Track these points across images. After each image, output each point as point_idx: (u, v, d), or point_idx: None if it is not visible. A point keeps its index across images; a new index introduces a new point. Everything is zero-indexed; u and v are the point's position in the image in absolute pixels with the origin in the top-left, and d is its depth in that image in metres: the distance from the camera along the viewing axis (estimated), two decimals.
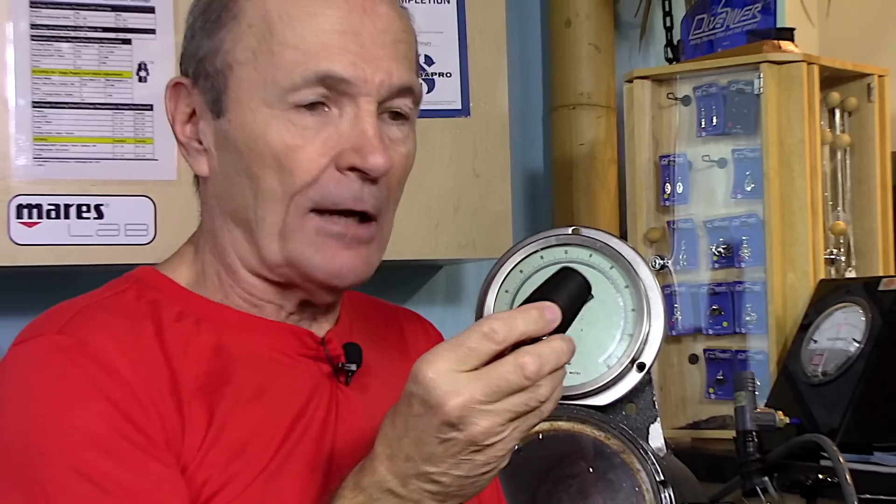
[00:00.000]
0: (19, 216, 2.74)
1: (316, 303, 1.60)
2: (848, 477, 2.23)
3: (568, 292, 1.41)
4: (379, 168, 1.51)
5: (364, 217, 1.55)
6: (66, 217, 2.77)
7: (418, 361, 1.32)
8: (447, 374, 1.30)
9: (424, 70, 3.05)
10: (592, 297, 2.25)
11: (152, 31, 2.83)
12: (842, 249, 3.23)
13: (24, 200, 2.75)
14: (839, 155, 3.27)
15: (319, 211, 1.53)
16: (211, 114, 1.57)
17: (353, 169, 1.51)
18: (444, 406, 1.29)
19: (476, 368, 1.31)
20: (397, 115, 1.58)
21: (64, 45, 2.79)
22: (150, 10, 2.83)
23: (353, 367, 1.60)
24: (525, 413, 1.33)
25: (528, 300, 1.37)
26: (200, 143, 1.60)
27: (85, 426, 1.41)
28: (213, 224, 1.61)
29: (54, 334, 1.47)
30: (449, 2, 3.07)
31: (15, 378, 1.48)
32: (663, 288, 2.42)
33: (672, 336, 3.17)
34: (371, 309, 1.77)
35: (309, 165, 1.51)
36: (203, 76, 1.58)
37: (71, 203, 2.78)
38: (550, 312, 1.34)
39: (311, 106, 1.52)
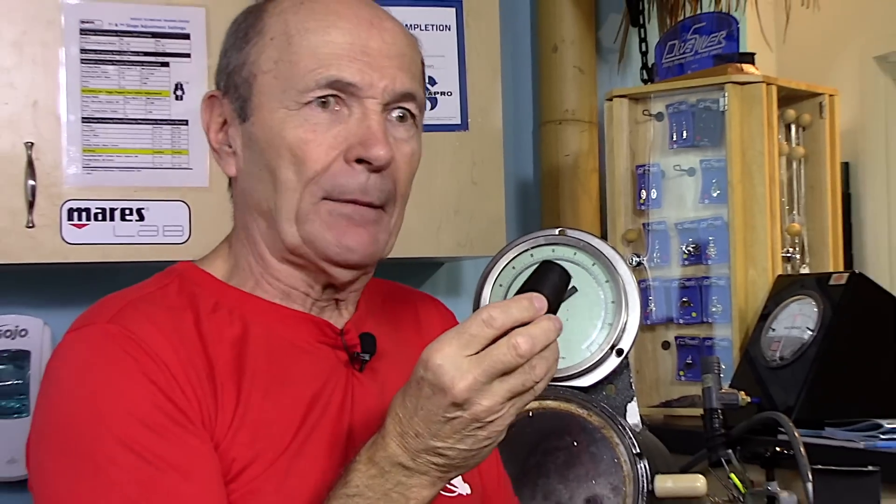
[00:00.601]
0: (70, 218, 2.74)
1: (337, 284, 1.59)
2: (802, 449, 2.24)
3: (551, 282, 1.43)
4: (381, 158, 1.51)
5: (370, 206, 1.55)
6: (112, 219, 2.77)
7: (427, 349, 1.33)
8: (453, 360, 1.31)
9: (428, 90, 3.05)
10: (576, 289, 2.28)
11: (188, 56, 2.83)
12: (797, 248, 3.24)
13: (74, 205, 2.75)
14: (794, 165, 3.27)
15: (331, 199, 1.53)
16: (238, 119, 1.58)
17: (360, 161, 1.52)
18: (453, 389, 1.30)
19: (478, 352, 1.32)
20: (402, 119, 1.58)
21: (110, 68, 2.78)
22: (186, 36, 2.84)
23: (367, 356, 1.60)
24: (522, 392, 1.34)
25: (518, 292, 1.39)
26: (230, 146, 1.60)
27: (131, 405, 1.41)
28: (243, 219, 1.61)
29: (105, 323, 1.47)
30: (450, 29, 3.07)
31: (70, 361, 1.48)
32: (639, 282, 2.42)
33: (647, 325, 3.17)
34: (390, 294, 1.76)
35: (320, 156, 1.52)
36: (233, 87, 1.59)
37: (116, 207, 2.77)
38: (539, 301, 1.36)
39: (324, 104, 1.52)
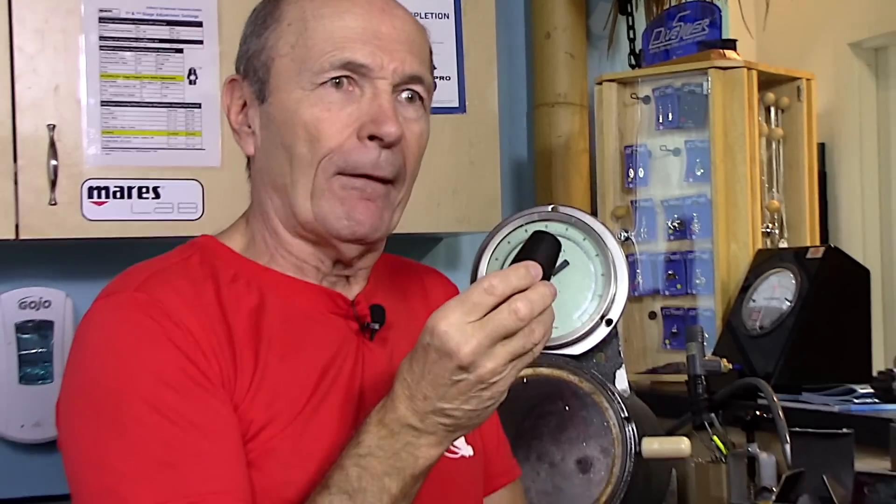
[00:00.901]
0: (90, 196, 2.74)
1: (345, 261, 1.60)
2: (780, 413, 2.24)
3: (543, 251, 1.45)
4: (392, 134, 1.52)
5: (381, 181, 1.55)
6: (129, 197, 2.77)
7: (432, 317, 1.34)
8: (458, 326, 1.32)
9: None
10: (568, 263, 2.28)
11: (200, 42, 2.83)
12: (776, 224, 3.23)
13: (94, 183, 2.75)
14: (774, 145, 3.27)
15: (343, 174, 1.53)
16: (257, 101, 1.58)
17: (371, 138, 1.52)
18: (458, 353, 1.32)
19: (481, 318, 1.33)
20: (411, 99, 1.58)
21: (127, 54, 2.78)
22: (199, 24, 2.83)
23: (377, 326, 1.61)
24: (522, 354, 1.35)
25: (514, 262, 1.40)
26: (249, 127, 1.61)
27: (156, 368, 1.42)
28: (259, 196, 1.61)
29: (133, 291, 1.48)
30: (448, 17, 3.07)
31: (99, 326, 1.48)
32: (627, 256, 2.42)
33: (634, 296, 3.17)
34: (397, 268, 1.77)
35: (334, 134, 1.52)
36: (252, 70, 1.59)
37: (133, 185, 2.78)
38: (534, 269, 1.37)
39: (337, 84, 1.53)
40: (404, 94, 1.57)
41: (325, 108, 1.52)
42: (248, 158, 1.66)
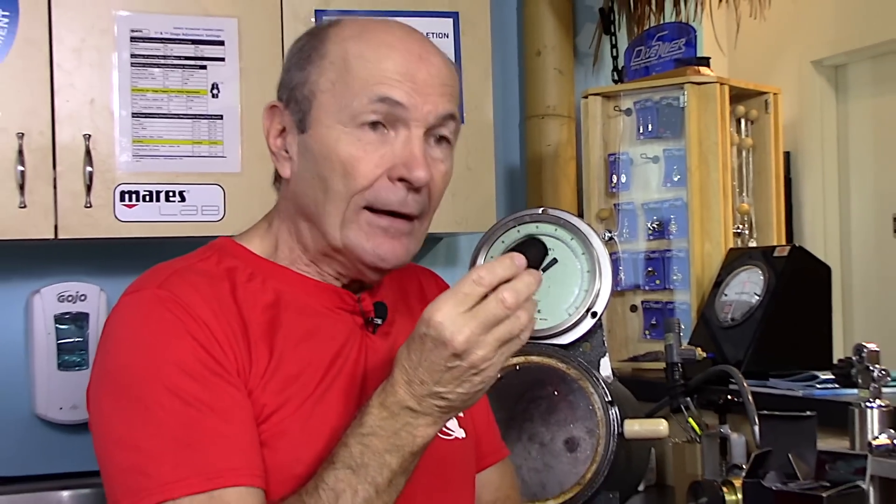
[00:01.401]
0: (122, 200, 2.74)
1: (365, 282, 1.60)
2: (750, 397, 2.23)
3: (531, 249, 1.49)
4: (421, 180, 1.51)
5: (407, 217, 1.55)
6: (157, 200, 2.77)
7: (427, 309, 1.35)
8: (451, 317, 1.33)
9: None
10: (556, 260, 2.27)
11: (222, 59, 2.82)
12: (746, 225, 3.23)
13: (125, 188, 2.74)
14: (744, 154, 3.26)
15: (372, 210, 1.53)
16: (297, 130, 1.56)
17: (401, 179, 1.52)
18: (452, 342, 1.33)
19: (472, 308, 1.34)
20: (440, 140, 1.57)
21: (156, 70, 2.78)
22: (221, 43, 2.83)
23: (379, 321, 1.61)
24: (509, 340, 1.36)
25: None
26: (287, 152, 1.59)
27: (177, 358, 1.42)
28: (290, 215, 1.60)
29: (155, 288, 1.48)
30: (448, 37, 3.06)
31: (125, 320, 1.48)
32: (611, 254, 2.41)
33: (617, 291, 3.16)
34: (400, 272, 1.76)
35: (367, 173, 1.51)
36: (294, 101, 1.57)
37: (161, 190, 2.77)
38: (518, 259, 1.37)
39: (374, 126, 1.51)
40: (433, 138, 1.56)
41: (361, 147, 1.51)
42: (279, 177, 1.65)
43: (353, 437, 1.41)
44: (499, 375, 1.41)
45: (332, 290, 1.60)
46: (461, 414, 1.58)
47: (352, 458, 1.39)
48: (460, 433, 1.67)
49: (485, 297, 1.35)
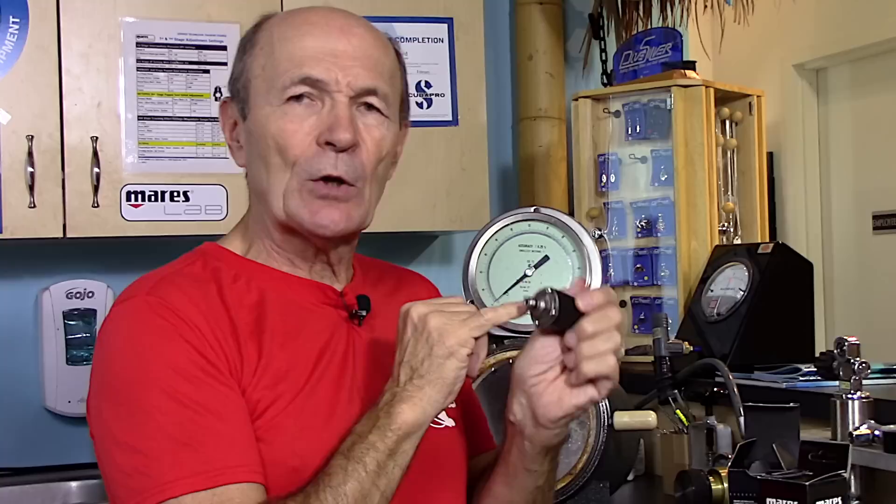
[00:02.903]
0: (128, 200, 2.74)
1: (324, 250, 1.59)
2: (735, 390, 2.24)
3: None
4: (342, 140, 1.50)
5: (342, 183, 1.53)
6: (162, 200, 2.78)
7: (407, 305, 1.43)
8: (418, 304, 1.42)
9: (424, 92, 3.05)
10: (549, 258, 2.27)
11: (225, 64, 2.82)
12: (731, 223, 3.23)
13: (131, 188, 2.75)
14: (729, 154, 3.26)
15: (312, 180, 1.52)
16: (241, 118, 1.58)
17: (328, 144, 1.51)
18: (410, 312, 1.41)
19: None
20: (370, 108, 1.56)
21: (161, 74, 2.78)
22: (224, 48, 2.83)
23: (364, 313, 1.61)
24: (460, 313, 1.41)
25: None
26: (239, 142, 1.60)
27: (171, 361, 1.42)
28: (254, 203, 1.61)
29: (144, 295, 1.47)
30: (443, 42, 3.06)
31: (118, 329, 1.48)
32: (601, 252, 2.41)
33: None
34: (384, 271, 1.76)
35: (298, 143, 1.51)
36: (237, 92, 1.59)
37: (166, 190, 2.78)
38: (520, 308, 1.42)
39: (299, 98, 1.52)
40: (363, 106, 1.55)
41: (289, 120, 1.51)
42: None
43: (349, 433, 1.42)
44: (478, 366, 1.43)
45: (316, 285, 1.59)
46: (452, 405, 1.58)
47: (343, 445, 1.40)
48: (450, 422, 1.67)
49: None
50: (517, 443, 1.56)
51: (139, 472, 1.39)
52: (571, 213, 3.10)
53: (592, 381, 1.46)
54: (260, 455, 1.44)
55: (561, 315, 1.39)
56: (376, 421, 1.40)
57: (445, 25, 3.08)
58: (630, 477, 2.65)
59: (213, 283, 1.52)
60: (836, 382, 2.12)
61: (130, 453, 1.40)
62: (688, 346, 2.52)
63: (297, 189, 1.52)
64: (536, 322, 1.42)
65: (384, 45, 1.60)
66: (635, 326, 3.14)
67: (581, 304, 1.42)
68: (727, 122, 3.26)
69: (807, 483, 1.71)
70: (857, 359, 2.07)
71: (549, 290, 1.38)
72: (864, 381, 2.09)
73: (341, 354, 1.56)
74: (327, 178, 1.52)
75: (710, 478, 2.03)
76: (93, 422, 1.48)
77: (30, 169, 2.65)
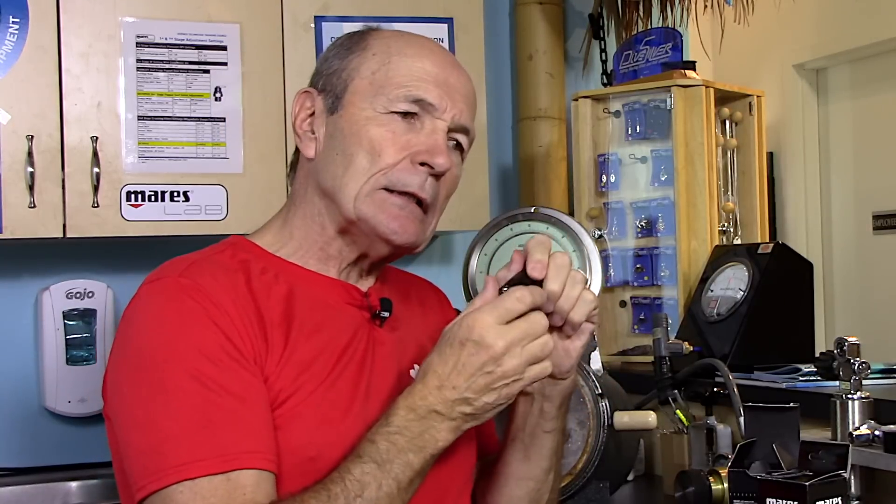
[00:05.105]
0: (128, 199, 2.74)
1: (372, 257, 1.62)
2: (735, 390, 2.24)
3: None
4: (442, 165, 1.56)
5: (420, 203, 1.58)
6: (162, 200, 2.77)
7: (467, 317, 1.42)
8: (494, 326, 1.40)
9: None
10: None
11: (225, 64, 2.83)
12: (731, 223, 3.23)
13: (131, 188, 2.75)
14: (729, 154, 3.26)
15: (389, 190, 1.56)
16: (327, 112, 1.61)
17: (423, 164, 1.56)
18: (494, 346, 1.39)
19: (509, 322, 1.41)
20: (454, 147, 1.62)
21: (160, 74, 2.78)
22: (224, 48, 2.83)
23: (386, 314, 1.63)
24: (537, 362, 1.42)
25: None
26: (313, 133, 1.62)
27: (198, 343, 1.43)
28: (306, 196, 1.63)
29: (177, 276, 1.49)
30: (443, 41, 3.06)
31: (146, 306, 1.50)
32: (601, 252, 2.41)
33: (607, 287, 3.16)
34: (401, 278, 1.79)
35: (393, 154, 1.55)
36: (329, 85, 1.62)
37: (166, 190, 2.78)
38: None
39: (404, 115, 1.57)
40: (451, 142, 1.61)
41: (389, 131, 1.56)
42: (293, 164, 1.69)
43: (379, 435, 1.42)
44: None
45: (341, 284, 1.62)
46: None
47: (378, 454, 1.41)
48: None
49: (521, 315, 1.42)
50: (534, 410, 1.63)
51: (155, 452, 1.40)
52: (571, 213, 3.11)
53: None
54: (277, 443, 1.45)
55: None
56: (419, 441, 1.42)
57: (445, 25, 3.08)
58: (630, 477, 2.65)
59: (241, 273, 1.54)
60: (836, 382, 2.13)
61: (148, 432, 1.41)
62: (688, 347, 2.52)
63: (370, 194, 1.56)
64: None
65: (474, 90, 1.67)
66: (635, 326, 3.14)
67: (533, 273, 1.47)
68: (727, 122, 3.26)
69: (807, 483, 1.71)
70: (857, 359, 2.07)
71: (504, 288, 1.47)
72: (864, 381, 2.10)
73: (361, 352, 1.58)
74: (407, 194, 1.57)
75: (710, 478, 2.03)
76: (110, 399, 1.50)
77: (30, 169, 2.65)
